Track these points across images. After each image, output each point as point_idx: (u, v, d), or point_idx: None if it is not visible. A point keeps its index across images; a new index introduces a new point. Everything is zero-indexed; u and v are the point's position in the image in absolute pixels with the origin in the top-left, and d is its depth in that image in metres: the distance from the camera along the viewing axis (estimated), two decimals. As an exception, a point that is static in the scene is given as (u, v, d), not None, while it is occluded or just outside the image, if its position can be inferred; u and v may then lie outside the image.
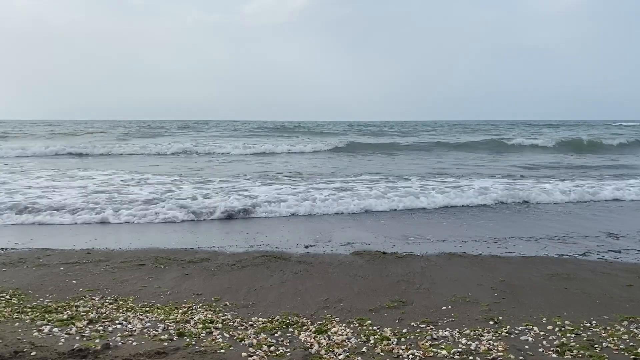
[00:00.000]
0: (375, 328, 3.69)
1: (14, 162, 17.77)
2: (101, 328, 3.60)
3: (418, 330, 3.65)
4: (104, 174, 13.70)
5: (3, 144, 25.33)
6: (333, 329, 3.64)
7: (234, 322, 3.79)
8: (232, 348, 3.29)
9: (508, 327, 3.69)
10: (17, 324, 3.66)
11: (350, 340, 3.43)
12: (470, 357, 3.17)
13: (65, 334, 3.48)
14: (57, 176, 13.19)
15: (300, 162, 19.15)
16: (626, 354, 3.22)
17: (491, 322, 3.78)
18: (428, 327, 3.70)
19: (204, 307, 4.15)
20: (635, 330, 3.63)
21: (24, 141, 28.56)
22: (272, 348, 3.29)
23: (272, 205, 8.80)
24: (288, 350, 3.28)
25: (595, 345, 3.34)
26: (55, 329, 3.55)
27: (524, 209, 9.38)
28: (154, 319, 3.83)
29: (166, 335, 3.48)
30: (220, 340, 3.43)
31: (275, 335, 3.54)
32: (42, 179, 12.46)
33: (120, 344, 3.33)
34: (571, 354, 3.21)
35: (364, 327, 3.71)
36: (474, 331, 3.61)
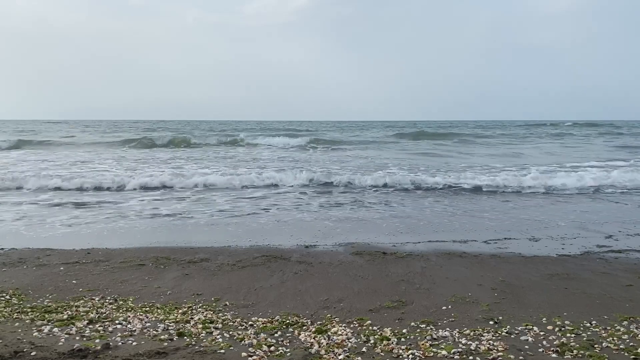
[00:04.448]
0: (375, 328, 3.69)
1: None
2: (101, 328, 3.60)
3: (418, 330, 3.65)
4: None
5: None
6: (333, 329, 3.64)
7: (234, 322, 3.79)
8: (232, 348, 3.29)
9: (508, 327, 3.69)
10: (17, 324, 3.67)
11: (350, 340, 3.43)
12: (470, 357, 3.17)
13: (65, 334, 3.48)
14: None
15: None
16: (626, 354, 3.22)
17: (491, 322, 3.78)
18: (428, 327, 3.70)
19: (204, 307, 4.15)
20: (635, 330, 3.63)
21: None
22: (272, 348, 3.29)
23: None
24: (288, 350, 3.28)
25: (595, 345, 3.34)
26: (55, 329, 3.55)
27: None
28: (154, 319, 3.83)
29: (166, 335, 3.48)
30: (220, 340, 3.43)
31: (275, 335, 3.54)
32: None
33: (120, 344, 3.33)
34: (571, 354, 3.21)
35: (364, 327, 3.71)
36: (474, 331, 3.61)
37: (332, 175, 12.81)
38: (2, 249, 6.03)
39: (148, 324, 3.71)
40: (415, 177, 12.68)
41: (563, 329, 3.65)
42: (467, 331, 3.61)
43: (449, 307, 4.15)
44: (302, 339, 3.46)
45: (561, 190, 11.34)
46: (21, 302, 4.18)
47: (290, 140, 28.74)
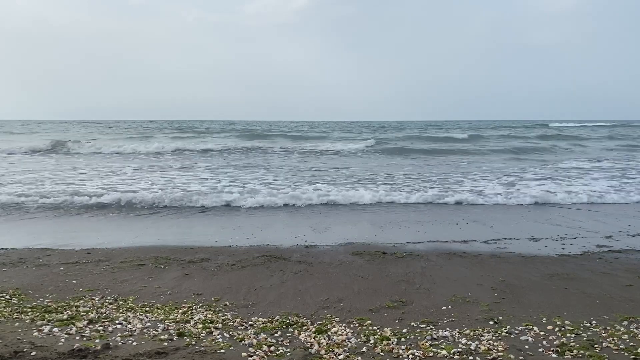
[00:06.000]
0: (375, 328, 3.69)
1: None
2: (101, 328, 3.60)
3: (418, 330, 3.65)
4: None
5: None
6: (333, 329, 3.64)
7: (234, 322, 3.79)
8: (232, 348, 3.29)
9: (508, 327, 3.69)
10: (17, 324, 3.66)
11: (350, 340, 3.43)
12: (470, 357, 3.17)
13: (65, 334, 3.48)
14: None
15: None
16: (626, 354, 3.22)
17: (491, 322, 3.78)
18: (428, 327, 3.70)
19: (204, 307, 4.15)
20: (635, 330, 3.63)
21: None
22: (272, 348, 3.29)
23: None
24: (288, 350, 3.28)
25: (595, 345, 3.34)
26: (55, 329, 3.55)
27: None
28: (154, 319, 3.83)
29: (166, 335, 3.48)
30: (220, 340, 3.43)
31: (275, 335, 3.54)
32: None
33: (120, 344, 3.33)
34: (571, 354, 3.21)
35: (364, 327, 3.70)
36: (474, 331, 3.60)
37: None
38: (3, 249, 6.03)
39: (148, 324, 3.71)
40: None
41: (563, 329, 3.65)
42: (467, 331, 3.61)
43: (449, 307, 4.15)
44: (302, 339, 3.46)
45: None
46: (21, 302, 4.17)
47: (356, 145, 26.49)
